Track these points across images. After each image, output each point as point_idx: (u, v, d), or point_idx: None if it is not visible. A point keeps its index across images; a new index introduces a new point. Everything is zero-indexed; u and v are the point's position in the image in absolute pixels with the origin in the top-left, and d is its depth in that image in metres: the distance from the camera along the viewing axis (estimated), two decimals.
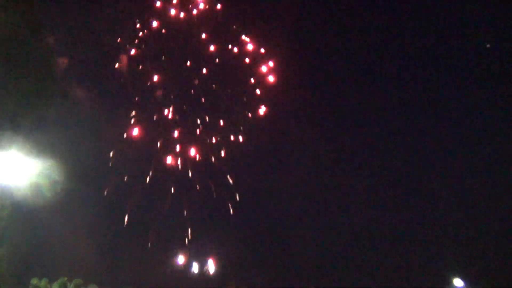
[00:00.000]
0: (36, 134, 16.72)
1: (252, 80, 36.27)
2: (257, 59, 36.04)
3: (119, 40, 32.29)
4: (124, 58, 32.41)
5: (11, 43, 15.18)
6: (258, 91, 36.68)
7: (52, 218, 22.90)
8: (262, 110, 36.41)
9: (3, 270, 14.39)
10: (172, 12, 34.78)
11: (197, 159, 36.59)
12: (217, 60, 35.99)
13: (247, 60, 36.28)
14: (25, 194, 16.43)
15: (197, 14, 35.54)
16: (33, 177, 16.68)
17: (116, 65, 32.14)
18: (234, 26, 35.71)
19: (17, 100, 16.08)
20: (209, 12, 35.59)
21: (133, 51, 33.57)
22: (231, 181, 35.83)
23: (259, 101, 36.72)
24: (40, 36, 16.68)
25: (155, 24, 34.05)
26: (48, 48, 17.67)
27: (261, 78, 36.63)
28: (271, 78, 36.66)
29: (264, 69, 36.82)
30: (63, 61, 19.93)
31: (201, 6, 35.65)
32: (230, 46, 35.77)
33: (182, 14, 35.07)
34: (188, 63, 35.62)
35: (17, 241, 16.18)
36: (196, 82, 35.68)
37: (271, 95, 35.94)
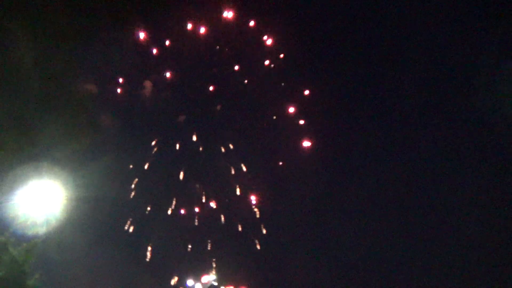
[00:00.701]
0: (69, 165, 17.34)
1: (292, 108, 31.51)
2: (297, 81, 31.19)
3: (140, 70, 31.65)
4: (148, 84, 32.36)
5: (50, 82, 16.04)
6: (301, 121, 31.59)
7: (81, 250, 23.31)
8: (306, 143, 31.58)
9: None
10: (189, 26, 31.37)
11: (221, 191, 36.26)
12: (244, 81, 31.88)
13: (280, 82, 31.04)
14: (57, 224, 16.94)
15: (219, 28, 31.30)
16: (65, 208, 17.17)
17: (137, 93, 31.82)
18: (266, 36, 30.45)
19: (52, 134, 16.77)
20: (234, 24, 31.26)
21: (154, 76, 32.57)
22: (257, 215, 34.51)
23: (301, 132, 31.78)
24: (75, 74, 17.66)
25: (167, 43, 31.18)
26: (82, 84, 18.61)
27: (303, 105, 31.65)
28: (313, 105, 31.20)
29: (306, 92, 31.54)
30: (94, 95, 20.91)
31: (226, 14, 31.25)
32: (260, 65, 31.02)
33: (202, 30, 31.55)
34: (211, 87, 32.62)
35: (49, 270, 16.54)
36: (219, 107, 33.37)
37: (316, 124, 31.22)
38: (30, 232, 15.51)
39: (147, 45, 32.58)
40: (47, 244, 16.26)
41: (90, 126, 18.53)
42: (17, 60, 15.16)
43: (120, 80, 33.22)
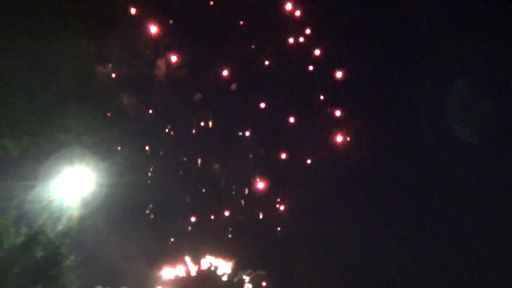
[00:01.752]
0: (99, 151, 17.99)
1: (321, 96, 27.35)
2: (327, 62, 25.98)
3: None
4: (162, 64, 31.00)
5: (81, 73, 16.53)
6: (337, 112, 27.24)
7: (111, 232, 24.36)
8: (339, 138, 28.02)
9: (73, 279, 15.61)
10: None
11: (240, 177, 36.41)
12: (263, 61, 27.86)
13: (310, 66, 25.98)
14: (90, 208, 17.79)
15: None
16: (97, 193, 17.92)
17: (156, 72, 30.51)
18: (290, 6, 24.52)
19: (83, 122, 17.33)
20: None
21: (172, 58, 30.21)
22: (278, 202, 34.31)
23: (334, 126, 27.93)
24: (104, 65, 18.14)
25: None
26: (110, 75, 19.11)
27: (333, 91, 27.17)
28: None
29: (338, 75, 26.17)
30: (122, 84, 21.45)
31: None
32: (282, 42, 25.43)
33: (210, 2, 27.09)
34: (225, 70, 29.63)
35: (83, 252, 17.38)
36: (234, 87, 30.89)
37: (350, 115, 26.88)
38: (65, 215, 16.31)
39: (153, 24, 29.46)
40: (82, 227, 17.06)
41: (119, 114, 19.07)
42: (48, 50, 15.65)
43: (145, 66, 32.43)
